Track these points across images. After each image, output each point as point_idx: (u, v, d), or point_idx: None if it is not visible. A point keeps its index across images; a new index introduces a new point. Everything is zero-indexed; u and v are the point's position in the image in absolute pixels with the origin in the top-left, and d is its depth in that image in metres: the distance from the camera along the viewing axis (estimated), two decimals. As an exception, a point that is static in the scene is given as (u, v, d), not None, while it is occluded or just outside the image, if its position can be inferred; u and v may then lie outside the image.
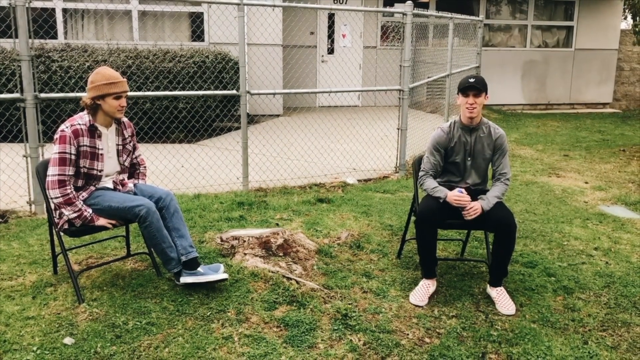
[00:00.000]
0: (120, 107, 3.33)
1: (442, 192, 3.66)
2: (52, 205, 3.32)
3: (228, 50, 9.30)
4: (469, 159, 3.79)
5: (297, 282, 3.63)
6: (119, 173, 3.56)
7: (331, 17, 12.69)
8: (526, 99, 14.46)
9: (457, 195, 3.62)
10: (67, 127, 3.25)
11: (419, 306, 3.52)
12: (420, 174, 3.86)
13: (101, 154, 3.38)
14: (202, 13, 10.27)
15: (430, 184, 3.75)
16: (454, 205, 3.62)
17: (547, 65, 14.40)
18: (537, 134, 10.65)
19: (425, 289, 3.63)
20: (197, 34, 10.37)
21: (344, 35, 12.92)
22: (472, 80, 3.61)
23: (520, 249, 4.48)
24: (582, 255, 4.40)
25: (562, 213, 5.49)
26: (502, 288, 3.63)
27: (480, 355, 3.01)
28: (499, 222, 3.54)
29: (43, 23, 8.79)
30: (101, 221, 3.36)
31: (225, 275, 3.45)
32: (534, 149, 9.04)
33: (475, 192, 3.75)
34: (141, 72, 8.07)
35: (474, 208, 3.59)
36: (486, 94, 3.67)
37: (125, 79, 3.37)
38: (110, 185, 3.50)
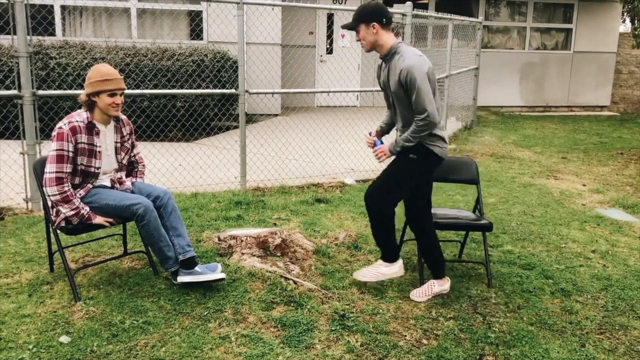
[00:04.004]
0: (114, 105, 3.30)
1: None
2: (49, 203, 3.31)
3: (227, 49, 9.28)
4: (391, 95, 3.54)
5: (295, 282, 3.62)
6: (117, 171, 3.54)
7: (330, 17, 12.68)
8: (524, 101, 14.47)
9: (366, 137, 3.59)
10: (64, 124, 3.23)
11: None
12: None
13: (99, 152, 3.36)
14: (201, 11, 10.25)
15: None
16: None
17: (546, 68, 14.42)
18: (535, 136, 10.66)
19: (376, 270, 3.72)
20: (196, 32, 10.35)
21: (342, 36, 12.92)
22: (343, 25, 3.53)
23: (518, 251, 4.47)
24: (580, 258, 4.40)
25: (559, 215, 5.49)
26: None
27: (478, 357, 3.00)
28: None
29: (41, 20, 8.76)
30: (98, 219, 3.34)
31: (223, 275, 3.44)
32: (532, 151, 9.05)
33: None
34: (139, 70, 8.05)
35: (380, 150, 3.53)
36: (366, 23, 3.38)
37: (121, 77, 3.35)
38: (108, 183, 3.48)
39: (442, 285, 3.67)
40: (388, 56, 3.45)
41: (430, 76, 3.35)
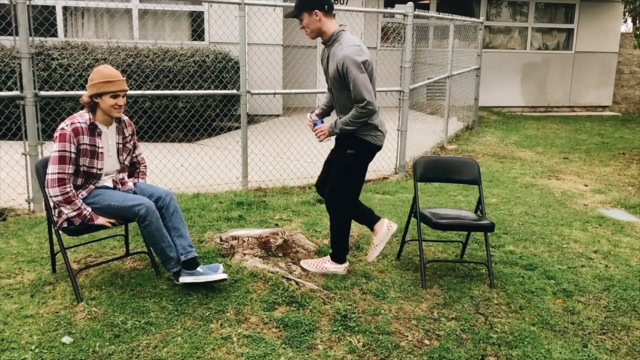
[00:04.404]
0: (117, 106, 3.31)
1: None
2: (52, 204, 3.31)
3: (228, 50, 9.28)
4: (329, 80, 3.60)
5: (297, 283, 3.62)
6: (119, 172, 3.55)
7: (332, 17, 12.67)
8: (526, 101, 14.46)
9: (307, 117, 3.75)
10: (67, 125, 3.23)
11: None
12: None
13: (101, 153, 3.37)
14: (202, 12, 10.26)
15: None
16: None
17: (547, 68, 14.41)
18: (536, 136, 10.65)
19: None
20: (198, 33, 10.35)
21: (344, 36, 12.91)
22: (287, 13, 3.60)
23: (520, 251, 4.47)
24: (582, 258, 4.40)
25: (561, 216, 5.48)
26: (327, 258, 3.84)
27: (480, 357, 3.00)
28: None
29: (43, 21, 8.78)
30: (100, 220, 3.35)
31: (225, 276, 3.44)
32: (533, 152, 9.04)
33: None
34: (141, 71, 8.06)
35: (319, 129, 3.65)
36: (309, 11, 3.46)
37: (124, 78, 3.35)
38: (110, 184, 3.49)
39: (335, 268, 3.81)
40: (329, 42, 3.55)
41: (366, 66, 3.44)
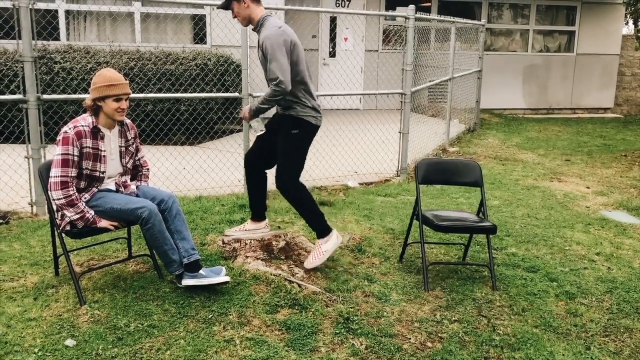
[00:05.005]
0: (120, 110, 3.32)
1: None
2: (54, 207, 3.32)
3: (230, 53, 9.30)
4: (262, 66, 3.77)
5: (299, 285, 3.62)
6: (122, 175, 3.56)
7: (333, 20, 12.70)
8: (527, 103, 14.46)
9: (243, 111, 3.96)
10: (70, 129, 3.24)
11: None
12: None
13: (104, 156, 3.38)
14: (204, 15, 10.28)
15: None
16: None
17: (549, 70, 14.40)
18: (538, 138, 10.64)
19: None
20: (200, 36, 10.37)
21: (345, 39, 12.94)
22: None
23: (522, 253, 4.47)
24: (584, 261, 4.39)
25: (563, 218, 5.48)
26: (318, 242, 3.88)
27: (483, 360, 3.00)
28: None
29: (46, 24, 8.81)
30: (103, 223, 3.35)
31: (227, 278, 3.45)
32: (535, 154, 9.04)
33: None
34: (143, 74, 8.08)
35: (242, 112, 3.87)
36: (237, 0, 3.64)
37: (126, 81, 3.36)
38: (113, 187, 3.50)
39: (332, 243, 3.86)
40: (257, 28, 3.73)
41: (291, 47, 3.59)
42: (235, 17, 3.74)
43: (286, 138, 3.81)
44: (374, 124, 9.48)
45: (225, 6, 3.74)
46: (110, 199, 3.38)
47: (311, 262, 3.86)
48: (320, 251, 3.86)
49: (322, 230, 3.88)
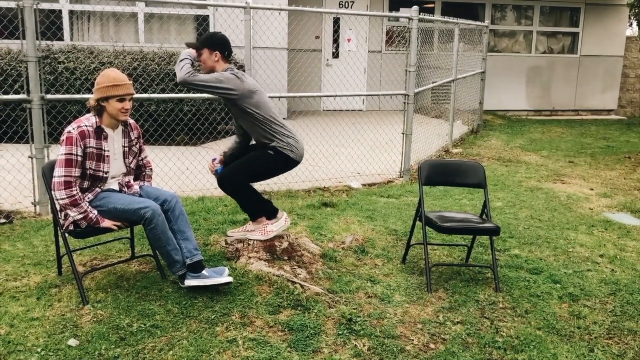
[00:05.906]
0: (123, 110, 3.32)
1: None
2: (58, 207, 3.33)
3: (234, 53, 9.31)
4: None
5: (302, 286, 3.62)
6: (125, 175, 3.56)
7: (337, 21, 12.71)
8: (531, 104, 14.44)
9: (209, 164, 4.06)
10: (73, 129, 3.25)
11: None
12: None
13: (107, 156, 3.38)
14: (208, 16, 10.29)
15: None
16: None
17: (552, 71, 14.38)
18: (541, 140, 10.63)
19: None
20: (203, 36, 10.37)
21: (349, 40, 12.94)
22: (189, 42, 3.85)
23: (525, 255, 4.46)
24: (588, 262, 4.38)
25: (567, 220, 5.47)
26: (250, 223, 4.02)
27: (486, 361, 2.99)
28: None
29: (50, 25, 8.82)
30: (106, 223, 3.36)
31: (230, 279, 3.45)
32: (538, 155, 9.02)
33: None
34: (147, 75, 8.09)
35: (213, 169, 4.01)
36: (210, 49, 3.70)
37: (130, 82, 3.37)
38: (116, 187, 3.50)
39: (274, 225, 3.96)
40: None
41: (248, 93, 3.69)
42: (199, 62, 3.78)
43: (258, 151, 3.85)
44: (377, 125, 9.48)
45: (196, 47, 3.77)
46: (113, 199, 3.38)
47: (255, 235, 3.98)
48: (265, 230, 3.96)
49: (271, 212, 3.98)
